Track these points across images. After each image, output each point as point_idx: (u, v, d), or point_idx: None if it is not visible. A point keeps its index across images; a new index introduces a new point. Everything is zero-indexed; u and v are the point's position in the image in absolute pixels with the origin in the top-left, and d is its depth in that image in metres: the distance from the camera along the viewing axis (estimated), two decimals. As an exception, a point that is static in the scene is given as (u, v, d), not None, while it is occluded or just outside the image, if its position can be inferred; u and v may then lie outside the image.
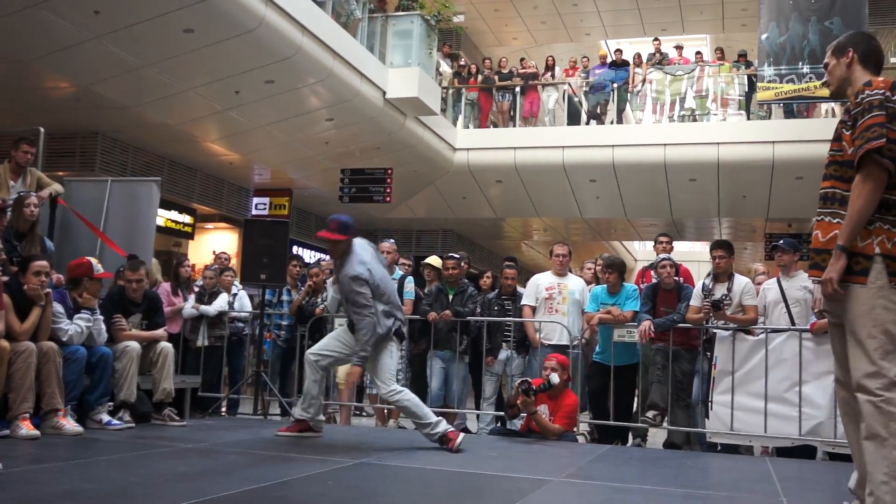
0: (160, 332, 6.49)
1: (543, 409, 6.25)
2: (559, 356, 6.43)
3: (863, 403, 3.09)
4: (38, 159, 7.39)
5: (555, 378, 6.08)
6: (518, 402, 6.06)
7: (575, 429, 6.53)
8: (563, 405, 6.27)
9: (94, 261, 6.09)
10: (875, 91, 3.18)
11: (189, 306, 7.92)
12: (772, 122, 13.91)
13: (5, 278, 5.43)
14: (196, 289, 8.14)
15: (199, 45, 9.09)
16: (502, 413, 6.89)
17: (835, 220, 3.26)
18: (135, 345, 6.10)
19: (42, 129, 7.72)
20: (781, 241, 6.78)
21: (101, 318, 5.96)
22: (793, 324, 6.28)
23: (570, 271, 7.93)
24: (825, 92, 12.28)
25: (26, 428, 5.06)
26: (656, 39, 16.19)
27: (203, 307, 7.90)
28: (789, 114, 13.94)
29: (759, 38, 13.07)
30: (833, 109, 13.34)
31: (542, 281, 7.47)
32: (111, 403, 5.91)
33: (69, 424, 5.33)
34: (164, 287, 7.97)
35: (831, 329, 3.44)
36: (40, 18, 8.04)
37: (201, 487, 3.78)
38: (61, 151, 11.02)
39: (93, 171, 10.99)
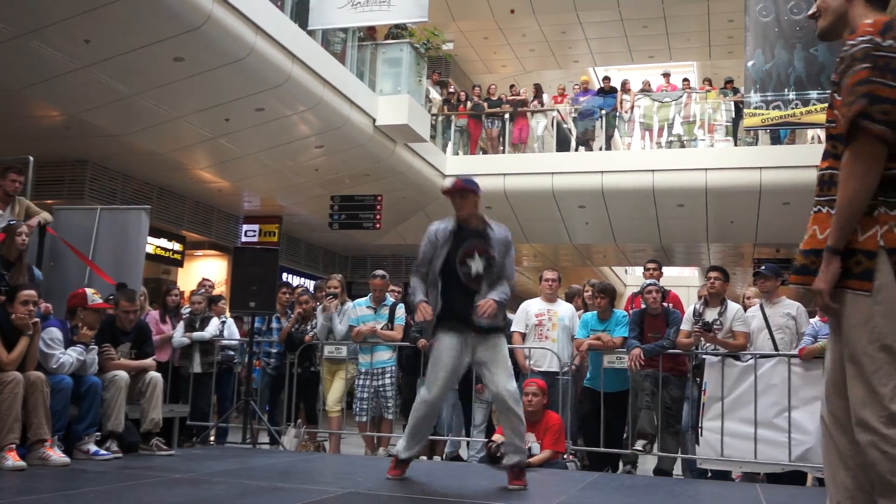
0: (149, 361, 6.45)
1: (529, 437, 6.22)
2: (539, 381, 6.40)
3: (866, 447, 2.35)
4: (26, 188, 7.37)
5: (536, 448, 6.10)
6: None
7: (565, 456, 6.51)
8: (549, 427, 6.24)
9: (90, 291, 6.07)
10: (858, 39, 2.41)
11: (179, 335, 7.87)
12: (759, 147, 14.03)
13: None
14: (185, 315, 8.09)
15: (189, 73, 9.14)
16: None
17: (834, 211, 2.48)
18: (123, 374, 6.06)
19: (31, 158, 7.72)
20: (763, 268, 6.78)
21: (96, 349, 5.94)
22: (776, 350, 6.30)
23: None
24: (812, 118, 12.42)
25: (12, 459, 5.01)
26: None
27: (196, 333, 7.86)
28: (776, 140, 14.07)
29: (745, 66, 13.20)
30: (819, 136, 13.46)
31: (532, 307, 7.48)
32: (98, 433, 5.87)
33: (56, 455, 5.28)
34: (153, 315, 7.94)
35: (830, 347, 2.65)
36: (30, 48, 8.07)
37: (189, 518, 3.76)
38: (50, 179, 11.02)
39: (82, 199, 10.99)
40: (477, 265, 4.74)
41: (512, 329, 7.49)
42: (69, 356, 5.67)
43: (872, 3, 2.55)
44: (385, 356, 7.47)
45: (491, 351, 4.82)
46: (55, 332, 5.62)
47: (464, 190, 4.83)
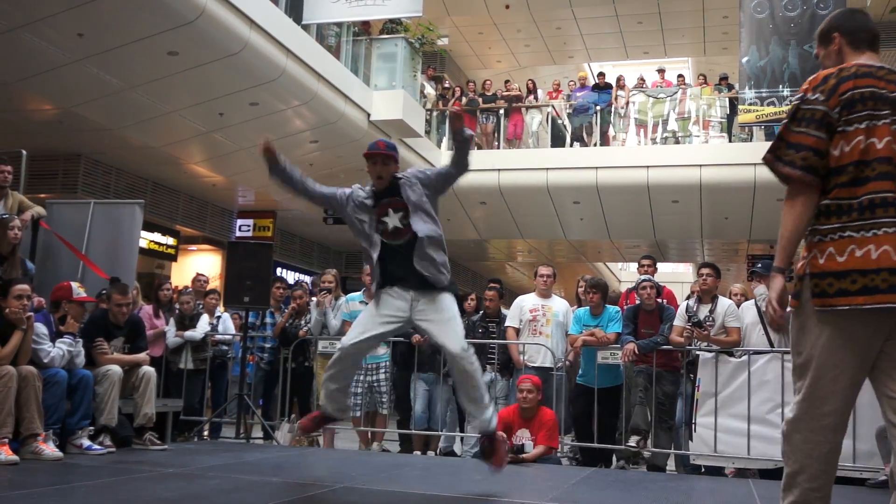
0: (142, 356, 6.44)
1: (524, 435, 6.24)
2: (533, 378, 6.42)
3: None
4: (19, 181, 7.36)
5: (529, 447, 6.11)
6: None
7: (557, 451, 6.53)
8: (543, 423, 6.26)
9: (75, 285, 6.05)
10: (796, 95, 2.80)
11: (172, 335, 7.86)
12: (753, 144, 14.04)
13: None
14: (177, 311, 8.08)
15: (183, 67, 9.11)
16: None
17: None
18: (116, 369, 6.05)
19: (24, 152, 7.70)
20: (759, 265, 6.84)
21: (81, 341, 5.92)
22: (771, 345, 6.32)
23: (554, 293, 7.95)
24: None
25: (5, 453, 5.00)
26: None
27: (188, 333, 7.86)
28: (770, 136, 14.07)
29: (739, 62, 13.22)
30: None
31: (526, 303, 7.48)
32: (92, 428, 5.86)
33: (48, 449, 5.27)
34: (146, 310, 7.93)
35: None
36: (23, 41, 8.04)
37: (182, 513, 3.75)
38: (44, 173, 10.97)
39: (75, 194, 10.95)
40: (392, 220, 4.48)
41: (506, 324, 7.50)
42: (59, 349, 5.66)
43: (858, 47, 2.88)
44: (379, 351, 7.47)
45: (436, 311, 4.43)
46: (39, 327, 5.61)
47: (387, 156, 4.56)
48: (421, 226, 4.42)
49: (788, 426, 2.72)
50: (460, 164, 4.49)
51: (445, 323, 4.41)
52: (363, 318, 4.65)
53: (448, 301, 4.52)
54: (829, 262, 2.66)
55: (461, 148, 4.47)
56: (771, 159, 2.79)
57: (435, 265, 4.45)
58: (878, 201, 2.62)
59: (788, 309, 2.78)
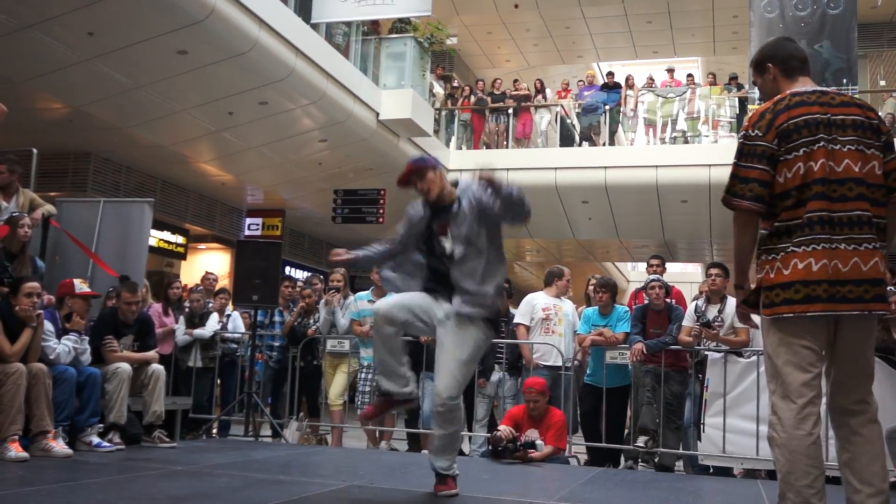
0: (152, 353, 6.46)
1: (533, 434, 6.23)
2: (536, 382, 6.32)
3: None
4: (30, 180, 7.38)
5: (540, 445, 6.11)
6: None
7: (566, 451, 6.52)
8: (552, 424, 6.25)
9: (77, 281, 6.08)
10: (741, 133, 3.13)
11: (181, 333, 7.88)
12: (762, 144, 13.98)
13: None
14: (186, 310, 8.11)
15: (192, 66, 9.14)
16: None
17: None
18: (126, 366, 6.07)
19: (35, 150, 7.73)
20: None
21: (87, 338, 5.94)
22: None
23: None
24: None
25: (15, 450, 5.02)
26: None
27: (197, 331, 7.87)
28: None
29: (749, 61, 13.18)
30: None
31: (539, 301, 7.46)
32: (101, 425, 5.88)
33: (58, 446, 5.29)
34: (156, 308, 7.95)
35: None
36: (33, 40, 8.08)
37: (191, 511, 3.76)
38: (54, 172, 11.03)
39: (85, 192, 11.00)
40: (448, 244, 4.19)
41: (516, 321, 7.47)
42: (64, 346, 5.68)
43: (790, 75, 3.18)
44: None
45: (454, 342, 4.14)
46: (45, 324, 5.63)
47: (419, 170, 4.22)
48: (467, 264, 4.15)
49: (772, 430, 2.97)
50: (514, 220, 4.32)
51: (451, 359, 4.13)
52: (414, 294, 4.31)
53: (472, 338, 4.17)
54: (777, 275, 2.99)
55: (508, 206, 4.20)
56: (726, 197, 3.09)
57: (474, 301, 4.14)
58: (816, 219, 2.93)
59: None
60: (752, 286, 3.17)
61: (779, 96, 3.09)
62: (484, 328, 4.21)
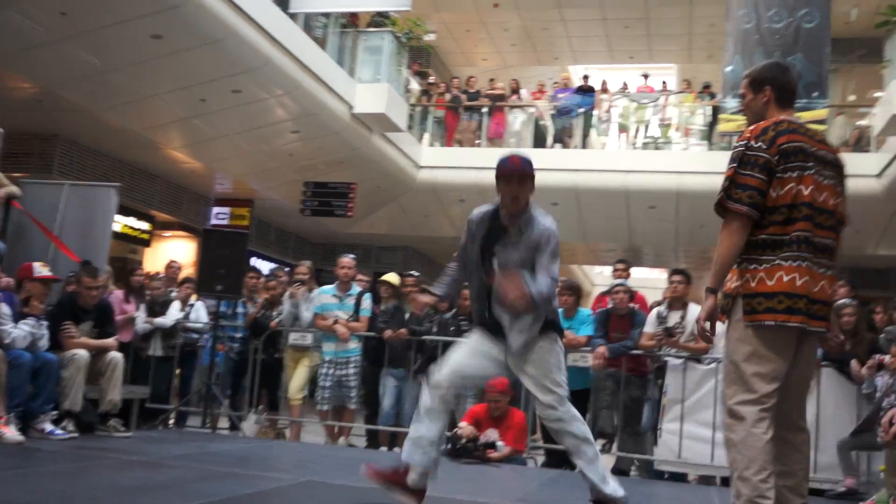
0: (111, 341, 6.39)
1: (493, 434, 6.24)
2: (499, 382, 6.25)
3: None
4: (-4, 160, 7.27)
5: (500, 445, 6.14)
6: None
7: (524, 452, 6.54)
8: (512, 425, 6.28)
9: (37, 264, 6.01)
10: (739, 142, 3.22)
11: (142, 321, 7.79)
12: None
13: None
14: (147, 297, 8.01)
15: (166, 51, 9.04)
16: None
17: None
18: (83, 353, 6.00)
19: (1, 130, 7.60)
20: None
21: (45, 323, 5.86)
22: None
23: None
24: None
25: (-34, 435, 4.96)
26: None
27: (157, 320, 7.79)
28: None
29: (722, 70, 13.28)
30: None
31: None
32: (55, 412, 5.80)
33: (9, 433, 5.22)
34: (117, 294, 7.86)
35: None
36: (4, 18, 7.94)
37: (143, 502, 3.73)
38: (19, 153, 10.80)
39: (50, 174, 10.82)
40: (496, 262, 3.93)
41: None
42: (21, 330, 5.60)
43: (782, 105, 3.32)
44: (350, 346, 7.45)
45: (527, 363, 3.94)
46: (2, 307, 5.55)
47: (526, 176, 3.95)
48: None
49: (729, 431, 3.12)
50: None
51: (543, 377, 3.98)
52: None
53: (544, 351, 3.98)
54: (759, 285, 3.14)
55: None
56: (723, 198, 3.21)
57: (522, 327, 3.92)
58: (802, 238, 3.12)
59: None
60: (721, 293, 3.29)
61: (775, 119, 3.23)
62: (548, 334, 3.98)
